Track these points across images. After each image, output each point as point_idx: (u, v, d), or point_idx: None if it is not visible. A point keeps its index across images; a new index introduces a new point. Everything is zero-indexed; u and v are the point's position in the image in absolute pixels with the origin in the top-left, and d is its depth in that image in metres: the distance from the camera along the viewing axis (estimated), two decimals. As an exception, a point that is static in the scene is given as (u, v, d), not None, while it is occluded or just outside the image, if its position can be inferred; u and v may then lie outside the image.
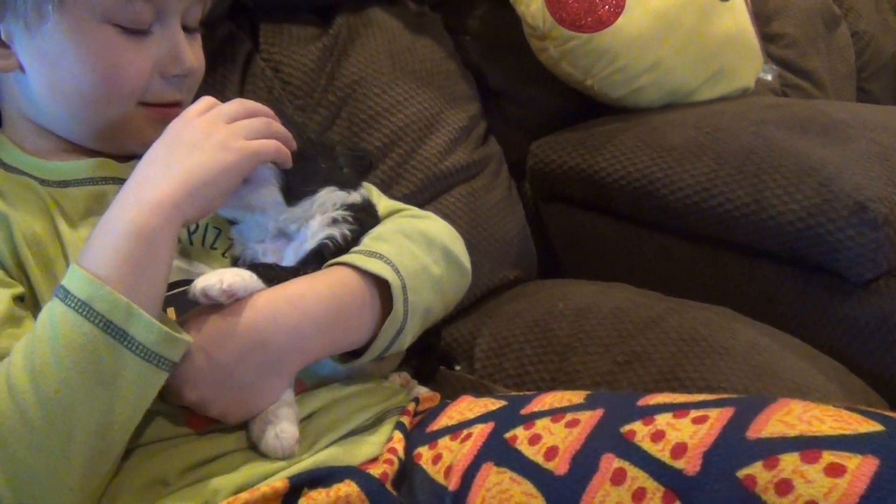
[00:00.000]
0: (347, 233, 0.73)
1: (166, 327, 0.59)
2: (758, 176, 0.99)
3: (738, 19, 1.31)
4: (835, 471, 0.50)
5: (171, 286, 0.68)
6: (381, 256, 0.71)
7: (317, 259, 0.71)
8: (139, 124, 0.74)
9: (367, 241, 0.74)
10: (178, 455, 0.64)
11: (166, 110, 0.74)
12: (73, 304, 0.58)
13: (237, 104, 0.68)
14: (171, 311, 0.69)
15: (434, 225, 0.83)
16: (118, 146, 0.75)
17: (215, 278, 0.63)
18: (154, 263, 0.61)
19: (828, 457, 0.50)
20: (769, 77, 1.53)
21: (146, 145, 0.69)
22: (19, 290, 0.66)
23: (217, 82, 1.04)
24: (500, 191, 1.22)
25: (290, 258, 0.72)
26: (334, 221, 0.73)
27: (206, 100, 0.68)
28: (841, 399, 0.83)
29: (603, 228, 1.22)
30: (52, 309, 0.59)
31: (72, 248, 0.69)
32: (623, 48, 1.18)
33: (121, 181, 0.70)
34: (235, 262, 0.74)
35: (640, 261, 1.17)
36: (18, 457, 0.57)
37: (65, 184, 0.73)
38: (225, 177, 0.64)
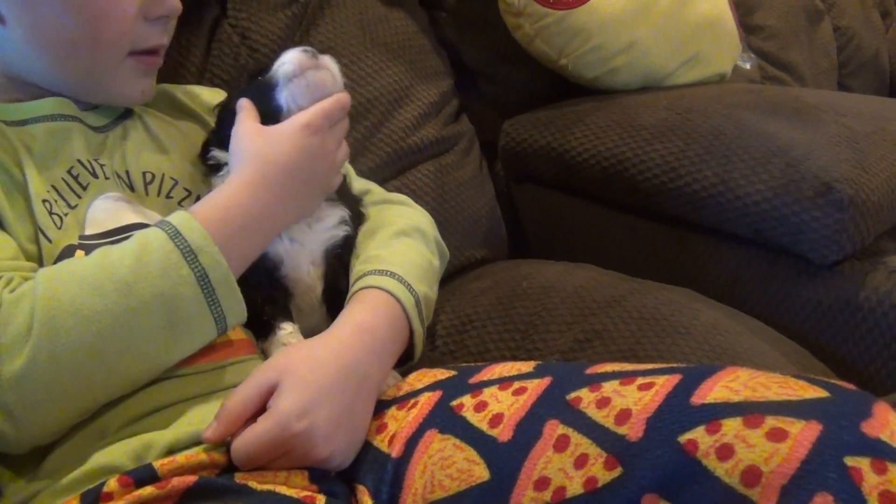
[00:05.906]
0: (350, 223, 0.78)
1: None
2: (726, 156, 0.98)
3: (716, 4, 1.30)
4: (777, 436, 0.48)
5: (122, 230, 0.69)
6: (394, 275, 0.75)
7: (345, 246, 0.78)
8: (126, 75, 0.75)
9: (380, 253, 0.77)
10: (117, 407, 0.63)
11: (151, 59, 0.77)
12: (180, 245, 0.61)
13: (345, 124, 0.79)
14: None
15: (417, 215, 0.87)
16: (100, 96, 0.77)
17: None
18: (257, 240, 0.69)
19: (771, 422, 0.49)
20: (748, 66, 1.52)
21: (128, 97, 0.77)
22: None
23: (182, 47, 1.01)
24: (469, 169, 1.20)
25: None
26: None
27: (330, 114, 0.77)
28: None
29: (572, 209, 1.21)
30: (155, 237, 0.62)
31: (34, 183, 0.67)
32: (598, 27, 1.16)
33: (80, 121, 0.73)
34: None
35: (608, 242, 1.16)
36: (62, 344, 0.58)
37: (23, 122, 0.72)
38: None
